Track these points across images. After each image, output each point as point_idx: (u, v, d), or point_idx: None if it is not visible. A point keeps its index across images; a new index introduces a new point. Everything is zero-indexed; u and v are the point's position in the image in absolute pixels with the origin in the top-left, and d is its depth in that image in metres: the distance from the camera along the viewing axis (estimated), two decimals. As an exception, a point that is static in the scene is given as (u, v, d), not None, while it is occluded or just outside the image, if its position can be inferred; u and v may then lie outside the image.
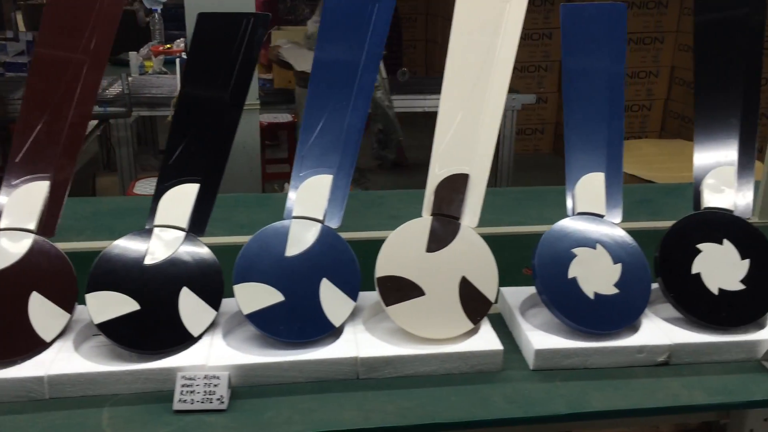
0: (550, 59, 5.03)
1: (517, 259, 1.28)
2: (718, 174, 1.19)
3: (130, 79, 3.39)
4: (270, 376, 0.96)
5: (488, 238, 1.11)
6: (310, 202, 1.12)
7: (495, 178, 3.59)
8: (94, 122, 3.30)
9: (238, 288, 1.04)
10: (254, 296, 1.03)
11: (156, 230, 1.08)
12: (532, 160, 5.03)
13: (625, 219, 1.61)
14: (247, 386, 0.96)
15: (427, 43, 6.26)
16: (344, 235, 1.35)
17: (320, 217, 1.11)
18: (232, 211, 1.69)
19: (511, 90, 3.59)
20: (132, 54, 3.74)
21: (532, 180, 4.55)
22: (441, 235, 1.09)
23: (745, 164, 1.19)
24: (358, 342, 1.02)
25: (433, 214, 1.11)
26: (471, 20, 1.23)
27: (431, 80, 4.04)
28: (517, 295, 1.17)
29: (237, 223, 1.58)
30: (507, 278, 1.23)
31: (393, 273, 1.07)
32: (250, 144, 1.99)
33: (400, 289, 1.06)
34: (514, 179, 3.59)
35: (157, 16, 4.36)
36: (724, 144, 1.21)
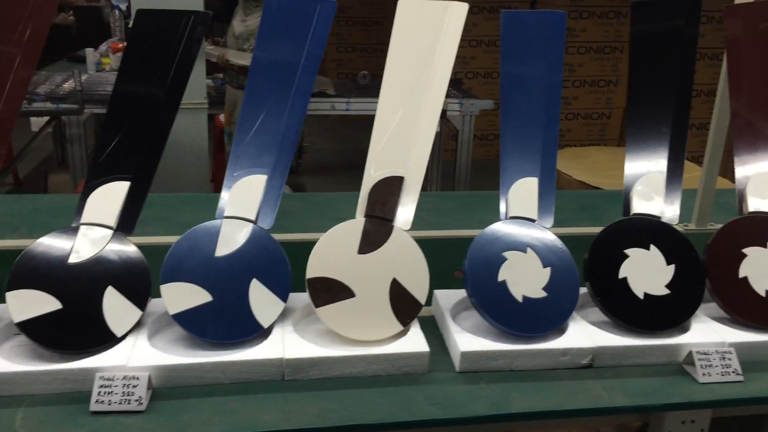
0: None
1: (454, 261, 1.29)
2: (648, 181, 1.22)
3: (85, 76, 3.33)
4: (192, 377, 0.96)
5: (426, 241, 1.12)
6: (242, 202, 1.12)
7: (453, 183, 3.62)
8: (45, 119, 3.23)
9: (165, 288, 1.02)
10: (181, 296, 1.02)
11: (82, 228, 1.06)
12: (492, 165, 5.06)
13: (565, 224, 1.64)
14: (169, 387, 0.95)
15: (393, 47, 6.28)
16: (281, 236, 1.34)
17: (252, 218, 1.11)
18: (176, 211, 1.67)
19: (470, 96, 3.63)
20: (88, 50, 3.69)
21: (490, 185, 4.58)
22: (373, 237, 1.10)
23: (673, 172, 1.22)
24: (285, 343, 1.01)
25: (366, 216, 1.12)
26: (411, 24, 1.24)
27: None
28: (450, 297, 1.18)
29: (180, 223, 1.56)
30: (443, 281, 1.24)
31: (323, 274, 1.07)
32: (198, 143, 1.98)
33: (330, 291, 1.06)
34: (472, 184, 3.62)
35: (117, 12, 4.30)
36: (655, 152, 1.24)
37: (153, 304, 1.07)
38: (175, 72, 1.17)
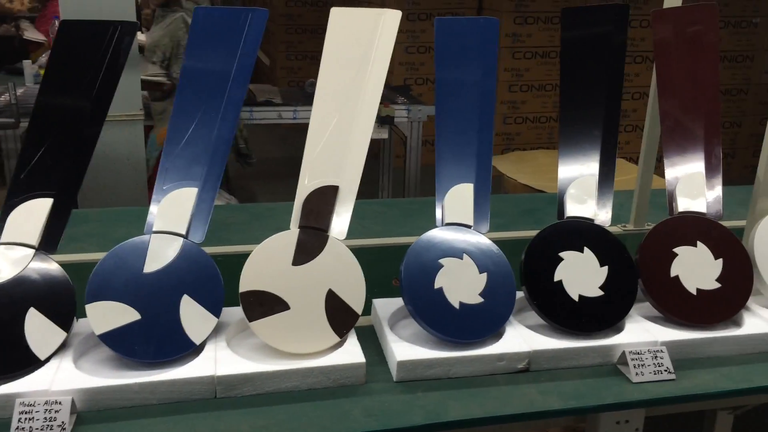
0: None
1: (395, 269, 1.28)
2: (581, 184, 1.23)
3: (21, 89, 3.23)
4: (119, 400, 0.92)
5: (366, 250, 1.12)
6: (172, 215, 1.09)
7: (403, 189, 3.62)
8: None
9: (90, 307, 0.99)
10: (108, 315, 0.99)
11: (1, 248, 1.02)
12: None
13: (507, 228, 1.66)
14: (95, 411, 0.91)
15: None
16: (220, 248, 1.32)
17: (183, 232, 1.08)
18: (110, 226, 1.62)
19: (418, 102, 3.64)
20: (26, 63, 3.57)
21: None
22: (308, 248, 1.08)
23: (605, 174, 1.24)
24: (218, 359, 0.99)
25: (300, 227, 1.10)
26: (344, 33, 1.23)
27: None
28: (388, 306, 1.17)
29: (113, 239, 1.50)
30: (385, 289, 1.24)
31: (257, 287, 1.05)
32: (135, 156, 1.93)
33: (264, 304, 1.04)
34: (422, 190, 3.63)
35: (56, 23, 4.18)
36: (587, 156, 1.25)
37: (80, 324, 1.03)
38: (101, 83, 1.14)
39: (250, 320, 1.03)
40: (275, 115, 3.32)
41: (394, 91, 3.71)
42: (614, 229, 1.68)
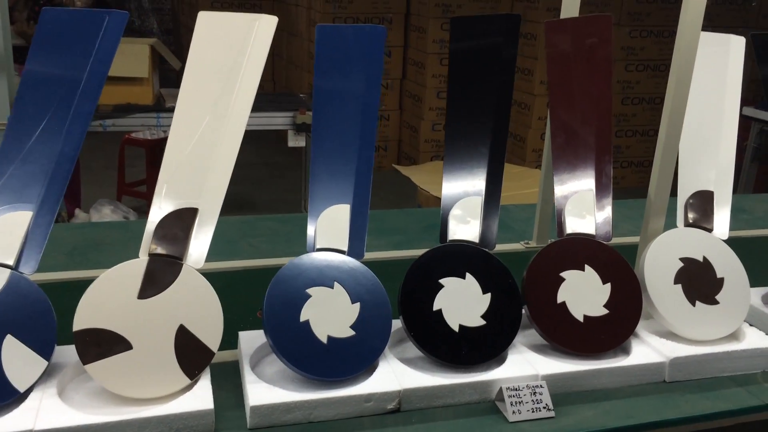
0: (391, 77, 5.07)
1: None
2: (465, 205, 1.16)
3: None
4: None
5: (237, 274, 1.01)
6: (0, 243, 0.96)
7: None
8: None
9: None
10: None
11: None
12: (375, 177, 5.02)
13: (404, 246, 1.57)
14: None
15: (274, 57, 6.14)
16: (73, 274, 1.19)
17: (11, 262, 0.95)
18: None
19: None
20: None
21: (375, 196, 4.53)
22: (158, 279, 0.97)
23: (491, 194, 1.17)
24: (40, 410, 0.87)
25: (151, 255, 0.99)
26: (214, 38, 1.12)
27: (280, 96, 3.94)
28: (255, 339, 1.06)
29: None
30: (258, 320, 1.13)
31: (94, 325, 0.93)
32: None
33: (101, 344, 0.92)
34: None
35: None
36: (473, 174, 1.18)
37: None
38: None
39: (85, 363, 0.91)
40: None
41: (311, 97, 3.61)
42: (517, 246, 1.62)
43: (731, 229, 1.24)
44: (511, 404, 0.97)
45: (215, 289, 0.98)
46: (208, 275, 0.99)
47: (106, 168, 4.53)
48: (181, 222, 1.02)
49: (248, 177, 4.86)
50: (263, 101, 3.51)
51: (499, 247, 1.61)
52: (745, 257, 1.20)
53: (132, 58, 2.83)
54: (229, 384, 1.01)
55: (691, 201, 1.25)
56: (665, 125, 1.18)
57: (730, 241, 1.21)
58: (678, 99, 1.17)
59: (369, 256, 1.51)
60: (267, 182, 4.76)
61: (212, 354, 0.96)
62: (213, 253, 1.55)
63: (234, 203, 4.43)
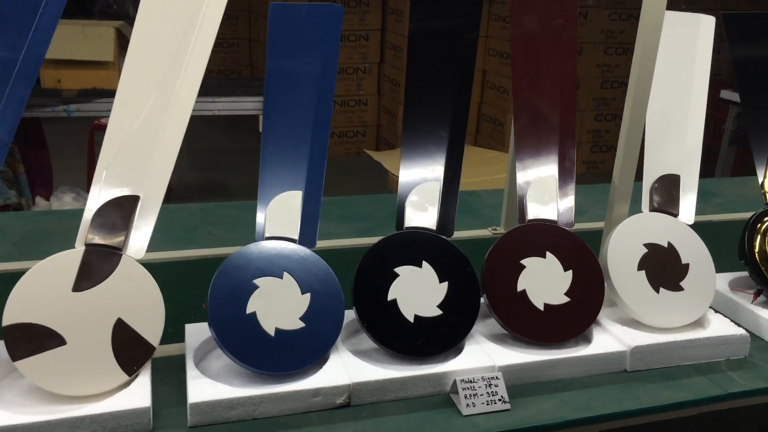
0: (368, 61, 5.01)
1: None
2: (423, 190, 1.12)
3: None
4: None
5: (187, 263, 0.96)
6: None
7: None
8: None
9: None
10: None
11: None
12: (354, 162, 4.98)
13: (369, 233, 1.53)
14: None
15: (251, 41, 6.05)
16: (10, 265, 1.15)
17: (-64, 254, 0.90)
18: None
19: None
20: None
21: (352, 183, 4.49)
22: (94, 270, 0.92)
23: (450, 180, 1.13)
24: (-36, 411, 0.82)
25: (87, 245, 0.94)
26: (160, 16, 1.07)
27: (255, 81, 3.84)
28: (203, 332, 1.02)
29: None
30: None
31: (24, 320, 0.88)
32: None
33: (32, 339, 0.87)
34: (329, 184, 3.49)
35: None
36: (432, 158, 1.14)
37: None
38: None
39: (14, 359, 0.86)
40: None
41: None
42: (484, 233, 1.58)
43: (702, 213, 1.21)
44: (465, 397, 0.93)
45: (168, 279, 0.94)
46: (161, 265, 0.95)
47: (78, 155, 4.44)
48: (121, 210, 0.97)
49: (223, 163, 4.79)
50: (236, 85, 3.44)
51: (467, 233, 1.59)
52: (713, 242, 1.17)
53: (97, 41, 2.75)
54: (173, 379, 0.96)
55: (656, 185, 1.21)
56: (629, 107, 1.14)
57: (698, 226, 1.18)
58: (642, 80, 1.13)
59: (330, 243, 1.47)
60: (242, 168, 4.69)
61: (152, 349, 0.92)
62: (170, 242, 1.52)
63: (208, 189, 4.37)
